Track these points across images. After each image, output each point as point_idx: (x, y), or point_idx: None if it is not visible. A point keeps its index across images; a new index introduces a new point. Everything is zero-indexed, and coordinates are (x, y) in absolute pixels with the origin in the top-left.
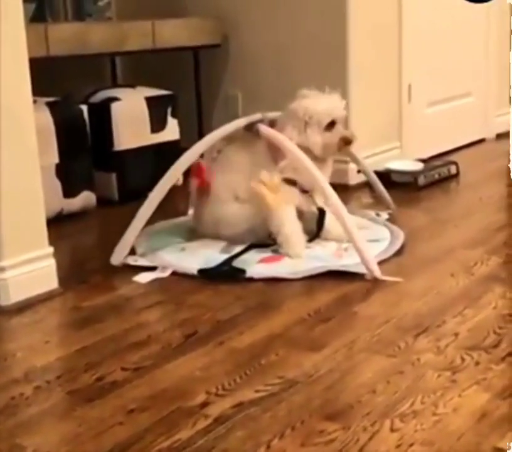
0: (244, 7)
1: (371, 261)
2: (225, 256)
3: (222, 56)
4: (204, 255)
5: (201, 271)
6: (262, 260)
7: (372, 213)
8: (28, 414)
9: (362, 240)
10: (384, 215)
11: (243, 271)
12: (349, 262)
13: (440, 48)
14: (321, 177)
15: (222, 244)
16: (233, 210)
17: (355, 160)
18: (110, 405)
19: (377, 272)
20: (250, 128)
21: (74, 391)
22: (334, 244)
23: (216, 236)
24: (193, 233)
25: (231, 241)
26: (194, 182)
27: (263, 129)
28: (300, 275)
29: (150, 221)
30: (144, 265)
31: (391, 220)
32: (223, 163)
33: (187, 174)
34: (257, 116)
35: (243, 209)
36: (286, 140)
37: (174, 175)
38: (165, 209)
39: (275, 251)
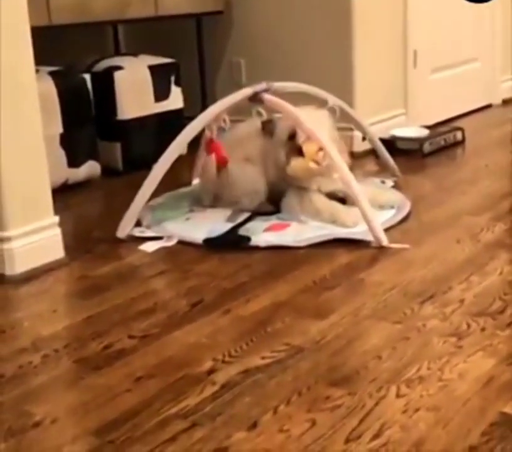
0: None
1: (378, 229)
2: (230, 225)
3: (225, 23)
4: (208, 225)
5: (206, 240)
6: (268, 228)
7: (377, 180)
8: (36, 382)
9: (369, 208)
10: (390, 182)
11: (248, 239)
12: (355, 229)
13: (446, 12)
14: (329, 145)
15: (227, 213)
16: (246, 170)
17: (360, 127)
18: (117, 373)
19: (384, 240)
20: (255, 98)
21: (82, 359)
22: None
23: (227, 203)
24: (198, 203)
25: (240, 205)
26: (212, 159)
27: (267, 97)
28: (305, 243)
29: (155, 192)
30: (150, 236)
31: (397, 187)
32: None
33: (191, 144)
34: (262, 85)
35: (254, 169)
36: (290, 108)
37: (178, 146)
38: (168, 180)
39: (281, 218)
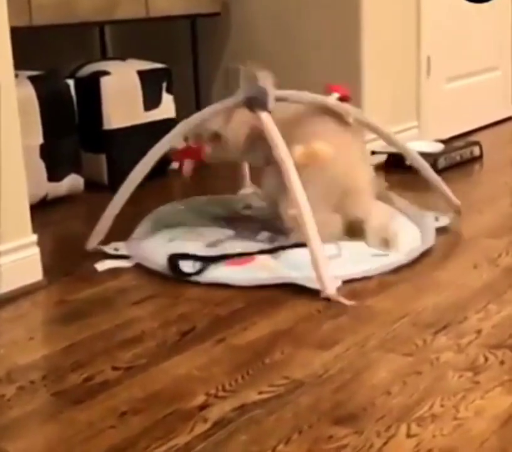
0: None
1: (325, 277)
2: (206, 250)
3: (222, 26)
4: (185, 248)
5: (171, 256)
6: (229, 262)
7: (430, 216)
8: (10, 417)
9: (320, 248)
10: (445, 220)
11: (187, 275)
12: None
13: (463, 16)
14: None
15: (216, 236)
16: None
17: (402, 149)
18: (100, 408)
19: (329, 290)
20: (250, 104)
21: (61, 392)
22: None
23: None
24: (199, 219)
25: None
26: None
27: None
28: (249, 284)
29: (159, 202)
30: (115, 254)
31: (452, 226)
32: None
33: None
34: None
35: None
36: (269, 122)
37: (156, 153)
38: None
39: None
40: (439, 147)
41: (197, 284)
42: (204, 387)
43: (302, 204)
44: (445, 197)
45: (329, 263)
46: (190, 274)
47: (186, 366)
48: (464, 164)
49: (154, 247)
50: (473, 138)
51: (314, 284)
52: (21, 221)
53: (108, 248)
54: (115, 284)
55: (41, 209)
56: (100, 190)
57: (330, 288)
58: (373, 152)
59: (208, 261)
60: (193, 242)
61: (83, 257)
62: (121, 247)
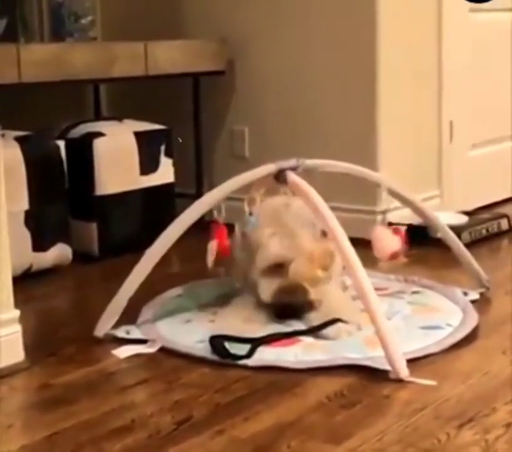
0: (252, 27)
1: (397, 357)
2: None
3: (226, 85)
4: (209, 330)
5: (213, 338)
6: (274, 344)
7: (458, 291)
8: None
9: (389, 329)
10: (474, 295)
11: (237, 358)
12: (373, 353)
13: (487, 78)
14: (349, 251)
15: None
16: None
17: (426, 218)
18: None
19: (403, 372)
20: (280, 177)
21: None
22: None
23: None
24: (218, 300)
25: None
26: (212, 246)
27: (292, 177)
28: (306, 366)
29: (171, 283)
30: (132, 338)
31: (482, 301)
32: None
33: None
34: (291, 162)
35: None
36: (314, 198)
37: (180, 227)
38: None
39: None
40: (463, 219)
41: (193, 368)
42: None
43: (363, 278)
44: (474, 272)
45: (398, 341)
46: (241, 357)
47: None
48: (491, 238)
49: (174, 329)
50: (500, 210)
51: (381, 365)
52: (3, 295)
53: (120, 332)
54: (103, 366)
55: (24, 282)
56: (89, 261)
57: (403, 369)
58: (390, 224)
59: (254, 343)
60: (219, 324)
61: (70, 336)
62: (133, 330)
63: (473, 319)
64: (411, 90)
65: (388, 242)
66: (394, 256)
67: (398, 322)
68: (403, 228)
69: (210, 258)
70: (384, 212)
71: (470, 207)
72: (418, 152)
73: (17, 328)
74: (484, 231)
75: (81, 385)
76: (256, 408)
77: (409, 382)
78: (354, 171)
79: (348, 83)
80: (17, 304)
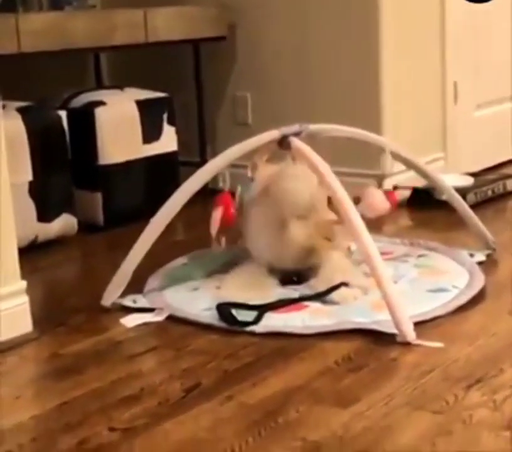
0: None
1: (404, 320)
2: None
3: (228, 51)
4: (216, 297)
5: (220, 305)
6: (280, 310)
7: (464, 253)
8: None
9: (395, 292)
10: (481, 256)
11: (244, 324)
12: (380, 317)
13: (493, 37)
14: (354, 215)
15: (259, 282)
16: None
17: (432, 181)
18: None
19: (410, 335)
20: (283, 143)
21: None
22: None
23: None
24: (225, 267)
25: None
26: (216, 215)
27: (296, 143)
28: (315, 331)
29: (177, 252)
30: (139, 307)
31: (488, 263)
32: None
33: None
34: (293, 128)
35: None
36: (318, 163)
37: (183, 196)
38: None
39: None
40: (468, 181)
41: (201, 335)
42: (212, 450)
43: (368, 243)
44: (480, 234)
45: (405, 305)
46: (248, 323)
47: (191, 427)
48: (496, 199)
49: (182, 297)
50: (506, 171)
51: (388, 328)
52: (9, 267)
53: (127, 301)
54: (111, 335)
55: (30, 253)
56: (94, 231)
57: (410, 332)
58: (395, 187)
59: (261, 309)
60: (241, 288)
61: (77, 306)
62: (139, 299)
63: (479, 281)
64: (415, 51)
65: (376, 201)
66: (381, 217)
67: (404, 285)
68: (398, 193)
69: (214, 227)
70: (381, 176)
71: (475, 168)
72: (422, 114)
73: (25, 299)
74: (489, 193)
75: (90, 355)
76: (264, 373)
77: (416, 345)
78: (357, 135)
79: (351, 47)
80: (24, 275)
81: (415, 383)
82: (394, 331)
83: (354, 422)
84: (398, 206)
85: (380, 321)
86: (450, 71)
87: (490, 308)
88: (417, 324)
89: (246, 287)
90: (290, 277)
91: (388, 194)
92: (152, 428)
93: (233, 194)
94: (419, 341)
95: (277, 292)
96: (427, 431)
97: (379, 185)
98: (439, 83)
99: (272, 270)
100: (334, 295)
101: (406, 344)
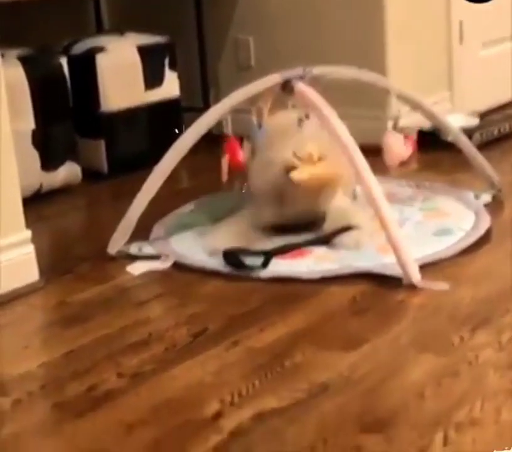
0: None
1: (409, 263)
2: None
3: None
4: (224, 242)
5: (227, 252)
6: (285, 255)
7: (470, 194)
8: (7, 432)
9: (400, 235)
10: (487, 198)
11: (251, 268)
12: (386, 260)
13: None
14: (360, 158)
15: (252, 231)
16: None
17: (437, 122)
18: (104, 420)
19: (415, 277)
20: (286, 87)
21: (62, 403)
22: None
23: None
24: (233, 213)
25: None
26: (225, 161)
27: (299, 87)
28: (319, 275)
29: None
30: (145, 255)
31: (494, 204)
32: None
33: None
34: (296, 71)
35: None
36: (322, 106)
37: (186, 143)
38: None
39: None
40: (474, 121)
41: (207, 281)
42: (218, 393)
43: (373, 186)
44: (486, 175)
45: (410, 248)
46: (256, 268)
47: (198, 372)
48: (503, 139)
49: (188, 244)
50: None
51: (393, 271)
52: (13, 216)
53: (133, 249)
54: (117, 283)
55: (35, 202)
56: (99, 179)
57: (416, 274)
58: (401, 129)
59: (266, 254)
60: (228, 236)
61: (83, 254)
62: (145, 247)
63: (485, 222)
64: None
65: (399, 149)
66: (404, 163)
67: (409, 228)
68: (414, 134)
69: (224, 174)
70: (396, 118)
71: (481, 108)
72: (428, 54)
73: (30, 248)
74: (495, 132)
75: (97, 302)
76: (270, 318)
77: (422, 287)
78: (362, 76)
79: None
80: (30, 224)
81: (420, 325)
82: (400, 273)
83: (360, 364)
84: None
85: (386, 264)
86: (455, 10)
87: (495, 249)
88: (423, 267)
89: (232, 237)
90: (291, 227)
91: (406, 139)
92: (159, 373)
93: (240, 138)
94: (425, 284)
95: (281, 237)
96: (433, 372)
97: (395, 126)
98: (444, 23)
99: (275, 219)
100: (340, 239)
101: (412, 286)
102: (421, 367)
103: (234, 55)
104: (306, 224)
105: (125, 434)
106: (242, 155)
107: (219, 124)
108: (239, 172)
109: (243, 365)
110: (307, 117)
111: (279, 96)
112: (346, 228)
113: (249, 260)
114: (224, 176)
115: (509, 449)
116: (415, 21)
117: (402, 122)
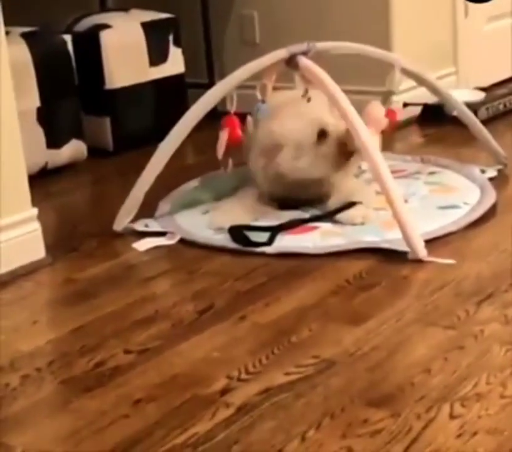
0: None
1: (415, 238)
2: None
3: None
4: (228, 219)
5: (232, 228)
6: (292, 231)
7: (476, 169)
8: (15, 408)
9: (406, 210)
10: (492, 172)
11: (256, 244)
12: (391, 236)
13: None
14: (365, 134)
15: (255, 207)
16: None
17: (442, 96)
18: (112, 395)
19: (421, 252)
20: (291, 62)
21: (70, 379)
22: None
23: None
24: (235, 190)
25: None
26: (223, 136)
27: (304, 62)
28: (325, 251)
29: (187, 175)
30: (151, 231)
31: (499, 178)
32: None
33: None
34: (301, 46)
35: None
36: (327, 81)
37: (191, 119)
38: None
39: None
40: (480, 95)
41: (213, 258)
42: (225, 369)
43: (379, 161)
44: (491, 149)
45: (416, 223)
46: (262, 244)
47: (205, 348)
48: (508, 114)
49: (193, 221)
50: None
51: (399, 246)
52: (19, 194)
53: (138, 226)
54: (124, 259)
55: (40, 179)
56: (104, 157)
57: (421, 249)
58: (405, 104)
59: (273, 230)
60: (232, 213)
61: (89, 231)
62: (151, 223)
63: (491, 197)
64: None
65: (376, 118)
66: (384, 132)
67: (415, 203)
68: (400, 112)
69: (220, 149)
70: (388, 93)
71: (486, 83)
72: (432, 29)
73: (36, 226)
74: (501, 107)
75: (104, 279)
76: (276, 293)
77: (428, 262)
78: (366, 51)
79: None
80: (36, 202)
81: (426, 299)
82: (406, 248)
83: (366, 339)
84: (398, 126)
85: (391, 239)
86: None
87: (501, 224)
88: (428, 242)
89: (238, 213)
90: (291, 203)
91: (388, 111)
92: (166, 349)
93: (241, 115)
94: (430, 258)
95: (287, 213)
96: (439, 346)
97: (385, 102)
98: None
99: (272, 197)
100: (345, 215)
101: (418, 261)
102: (426, 342)
103: (238, 31)
104: (310, 200)
105: (132, 410)
106: (240, 130)
107: (223, 101)
108: (236, 147)
109: (250, 341)
110: (306, 93)
111: (282, 73)
112: (352, 204)
113: (255, 236)
114: (220, 152)
115: None
116: None
117: (406, 97)
